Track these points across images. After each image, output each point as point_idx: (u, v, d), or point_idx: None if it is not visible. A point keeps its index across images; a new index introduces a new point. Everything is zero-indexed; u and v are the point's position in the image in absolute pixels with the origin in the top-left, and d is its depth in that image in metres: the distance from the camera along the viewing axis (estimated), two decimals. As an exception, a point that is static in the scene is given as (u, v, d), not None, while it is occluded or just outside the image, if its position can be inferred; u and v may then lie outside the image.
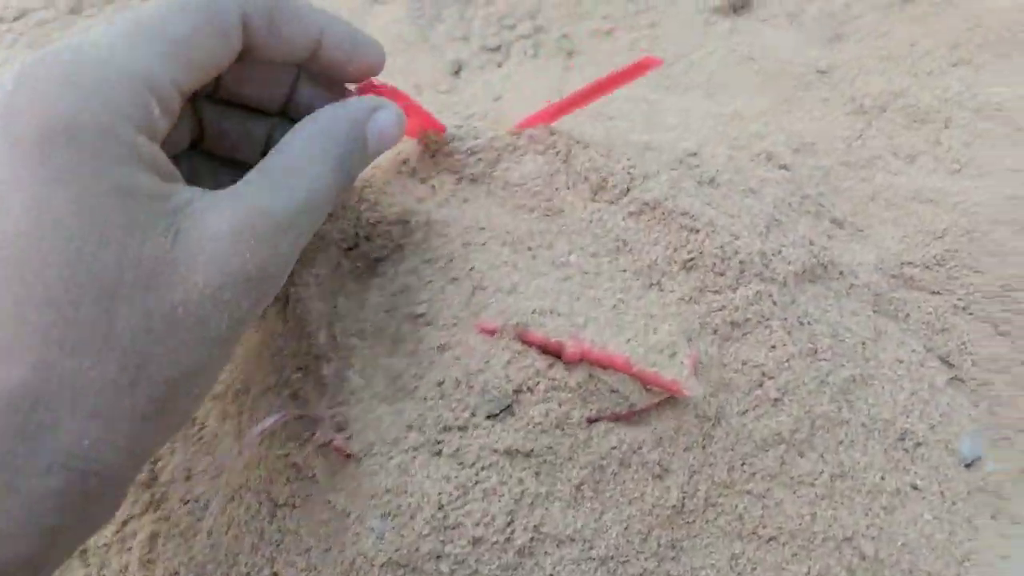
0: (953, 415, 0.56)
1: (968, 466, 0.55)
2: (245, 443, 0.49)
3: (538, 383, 0.45)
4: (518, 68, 0.78)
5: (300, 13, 0.39)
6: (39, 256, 0.30)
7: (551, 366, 0.45)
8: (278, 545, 0.47)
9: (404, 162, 0.56)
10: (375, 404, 0.48)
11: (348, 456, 0.46)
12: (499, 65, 0.79)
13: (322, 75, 0.44)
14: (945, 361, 0.58)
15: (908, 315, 0.58)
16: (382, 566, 0.44)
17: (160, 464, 0.51)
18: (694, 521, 0.48)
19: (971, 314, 0.59)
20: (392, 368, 0.49)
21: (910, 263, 0.60)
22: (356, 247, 0.55)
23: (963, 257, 0.60)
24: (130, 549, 0.49)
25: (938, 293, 0.60)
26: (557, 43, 0.81)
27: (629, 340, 0.47)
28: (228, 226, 0.34)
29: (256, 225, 0.35)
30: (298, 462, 0.47)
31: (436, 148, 0.55)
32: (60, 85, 0.31)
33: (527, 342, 0.46)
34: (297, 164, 0.38)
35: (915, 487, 0.52)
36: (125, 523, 0.50)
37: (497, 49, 0.81)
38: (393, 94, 0.48)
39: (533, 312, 0.46)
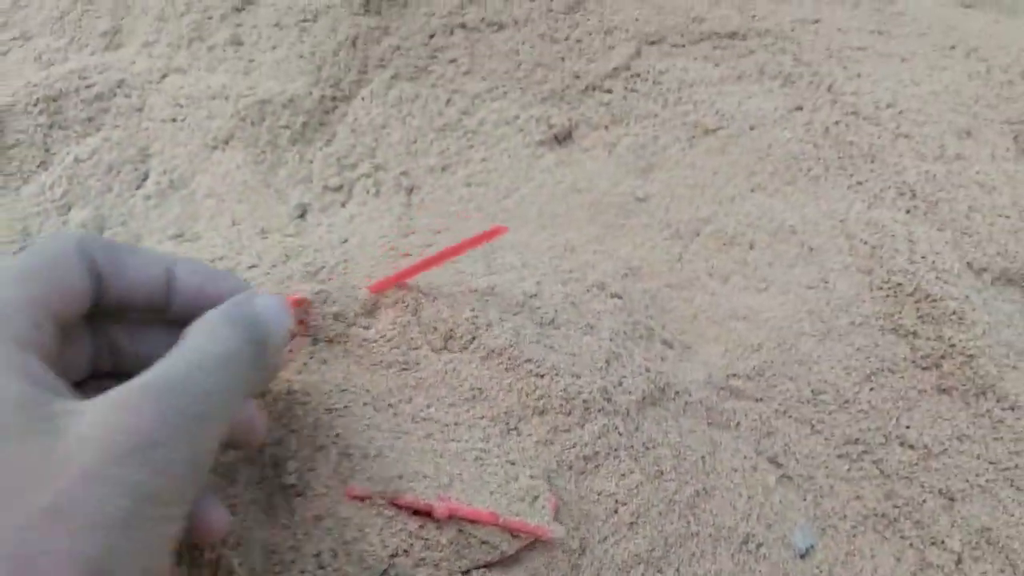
0: (786, 511, 0.62)
1: (803, 556, 0.62)
2: None
3: (412, 544, 0.48)
4: (362, 208, 0.82)
5: (144, 256, 0.43)
6: None
7: (422, 526, 0.48)
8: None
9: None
10: (254, 578, 0.48)
11: (232, 636, 0.47)
12: (343, 205, 0.82)
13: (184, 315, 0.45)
14: (773, 462, 0.65)
15: (739, 423, 0.65)
16: None
17: None
18: None
19: (790, 417, 0.67)
20: (268, 542, 0.50)
21: (734, 375, 0.67)
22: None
23: (778, 366, 0.68)
24: None
25: (761, 400, 0.67)
26: (397, 180, 0.85)
27: (492, 492, 0.50)
28: (105, 407, 0.35)
29: (133, 397, 0.35)
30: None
31: (302, 313, 0.57)
32: None
33: (397, 505, 0.48)
34: (176, 343, 0.40)
35: (760, 587, 0.58)
36: None
37: (340, 189, 0.84)
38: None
39: (399, 477, 0.49)
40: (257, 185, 0.84)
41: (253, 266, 0.70)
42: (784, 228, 0.75)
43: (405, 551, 0.48)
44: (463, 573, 0.49)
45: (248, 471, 0.52)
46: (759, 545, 0.59)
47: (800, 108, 0.86)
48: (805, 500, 0.64)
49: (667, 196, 0.80)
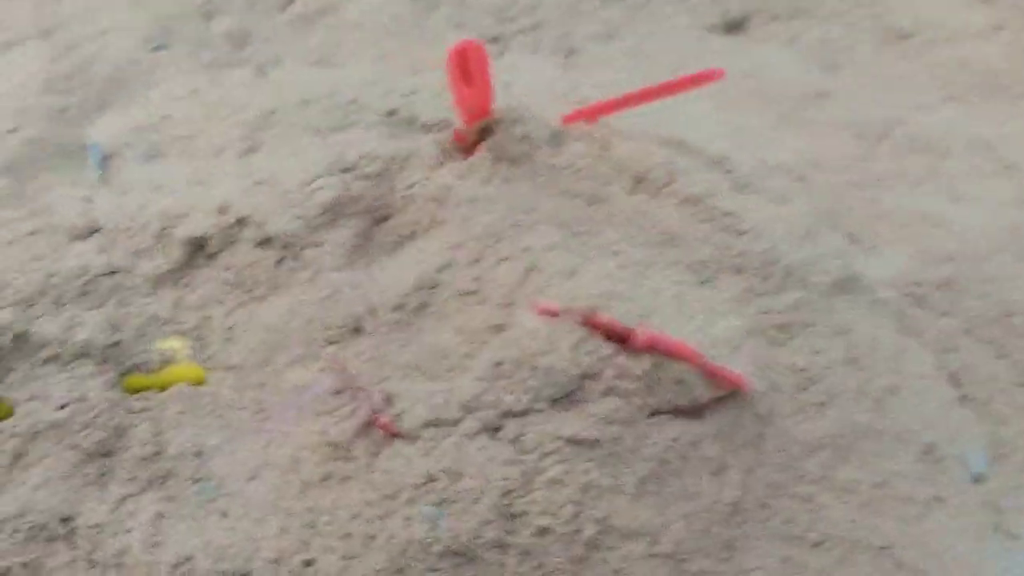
0: (963, 431, 0.57)
1: (976, 481, 0.57)
2: (277, 418, 0.44)
3: (604, 370, 0.43)
4: (519, 59, 0.77)
5: None
6: None
7: (616, 353, 0.43)
8: (312, 527, 0.42)
9: (447, 140, 0.53)
10: (423, 381, 0.44)
11: (395, 435, 0.43)
12: (501, 55, 0.77)
13: None
14: (953, 380, 0.59)
15: (922, 333, 0.60)
16: (439, 555, 0.40)
17: (165, 438, 0.45)
18: (747, 521, 0.46)
19: (975, 336, 0.61)
20: (438, 345, 0.45)
21: (921, 283, 0.61)
22: (388, 219, 0.51)
23: (967, 282, 0.62)
24: (130, 530, 0.43)
25: (947, 314, 0.61)
26: (556, 41, 0.79)
27: (694, 332, 0.45)
28: None
29: None
30: (335, 439, 0.43)
31: (481, 128, 0.52)
32: None
33: (592, 327, 0.44)
34: None
35: (939, 499, 0.52)
36: (122, 501, 0.44)
37: (496, 40, 0.79)
38: (481, 62, 0.46)
39: (599, 296, 0.44)
40: (409, 24, 0.79)
41: (412, 93, 0.65)
42: (980, 142, 0.69)
43: (596, 375, 0.43)
44: (649, 414, 0.44)
45: (416, 272, 0.47)
46: (939, 458, 0.54)
47: (1002, 28, 0.79)
48: (982, 424, 0.59)
49: (852, 95, 0.74)
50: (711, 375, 0.45)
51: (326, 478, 0.43)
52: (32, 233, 0.51)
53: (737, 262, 0.51)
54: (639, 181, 0.53)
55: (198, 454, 0.45)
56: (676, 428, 0.44)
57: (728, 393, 0.46)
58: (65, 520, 0.44)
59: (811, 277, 0.53)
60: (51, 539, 0.44)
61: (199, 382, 0.48)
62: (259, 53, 0.76)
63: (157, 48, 0.73)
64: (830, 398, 0.50)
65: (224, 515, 0.44)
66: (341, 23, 0.79)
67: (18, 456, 0.45)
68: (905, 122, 0.71)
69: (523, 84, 0.68)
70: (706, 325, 0.46)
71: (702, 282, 0.50)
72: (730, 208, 0.52)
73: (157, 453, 0.45)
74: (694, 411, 0.45)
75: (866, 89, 0.75)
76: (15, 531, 0.44)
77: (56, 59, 0.68)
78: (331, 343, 0.46)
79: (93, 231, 0.52)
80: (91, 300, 0.49)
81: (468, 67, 0.45)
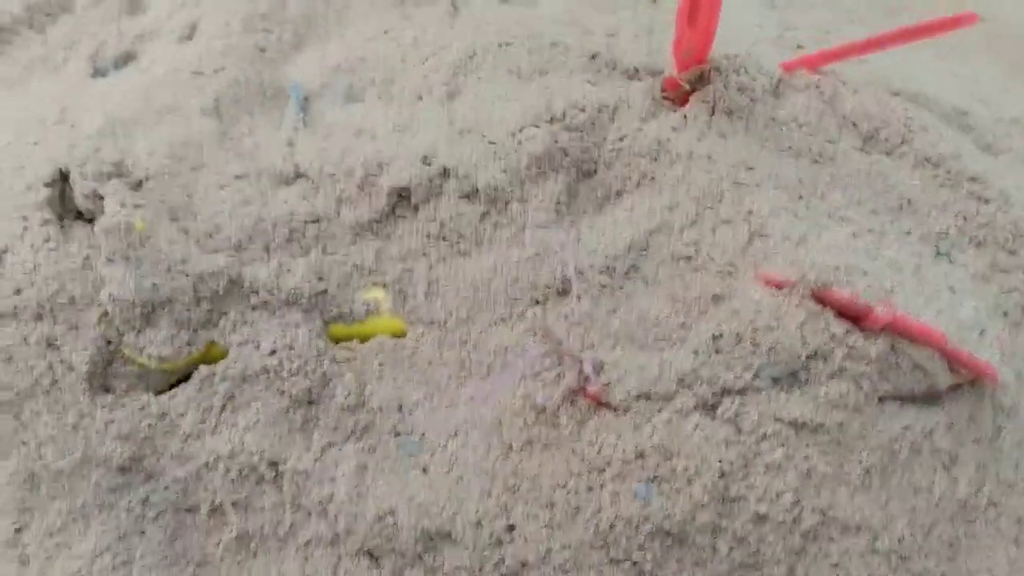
0: None
1: None
2: (481, 378, 0.44)
3: (834, 350, 0.40)
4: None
5: None
6: None
7: (849, 332, 0.40)
8: (514, 493, 0.42)
9: (657, 88, 0.50)
10: (635, 351, 0.42)
11: (604, 405, 0.41)
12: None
13: None
14: None
15: None
16: (649, 535, 0.39)
17: (368, 390, 0.46)
18: (975, 520, 0.43)
19: None
20: (651, 313, 0.43)
21: None
22: (595, 173, 0.49)
23: None
24: (334, 479, 0.44)
25: None
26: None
27: (939, 312, 0.41)
28: None
29: None
30: (542, 404, 0.42)
31: (696, 77, 0.49)
32: None
33: (823, 301, 0.40)
34: None
35: None
36: (324, 449, 0.45)
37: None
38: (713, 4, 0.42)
39: (835, 268, 0.40)
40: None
41: (612, 34, 0.62)
42: None
43: (825, 356, 0.40)
44: (879, 400, 0.40)
45: (627, 232, 0.45)
46: None
47: None
48: None
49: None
50: (956, 362, 0.40)
51: (529, 443, 0.42)
52: (239, 177, 0.52)
53: (981, 234, 0.46)
54: (870, 138, 0.48)
55: (399, 408, 0.45)
56: (908, 416, 0.41)
57: (968, 382, 0.42)
58: (272, 464, 0.45)
59: (1064, 252, 0.47)
60: (259, 481, 0.45)
61: (400, 335, 0.47)
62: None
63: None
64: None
65: (425, 472, 0.43)
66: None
67: (230, 398, 0.46)
68: None
69: (726, 27, 0.63)
70: (951, 306, 0.42)
71: (939, 254, 0.45)
72: (975, 173, 0.46)
73: (360, 404, 0.46)
74: (930, 400, 0.41)
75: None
76: (227, 470, 0.45)
77: (254, -3, 0.68)
78: (536, 303, 0.45)
79: (298, 176, 0.52)
80: (297, 247, 0.49)
81: (698, 6, 0.42)
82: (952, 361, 0.40)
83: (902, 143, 0.47)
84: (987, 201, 0.46)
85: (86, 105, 0.60)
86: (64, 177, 0.52)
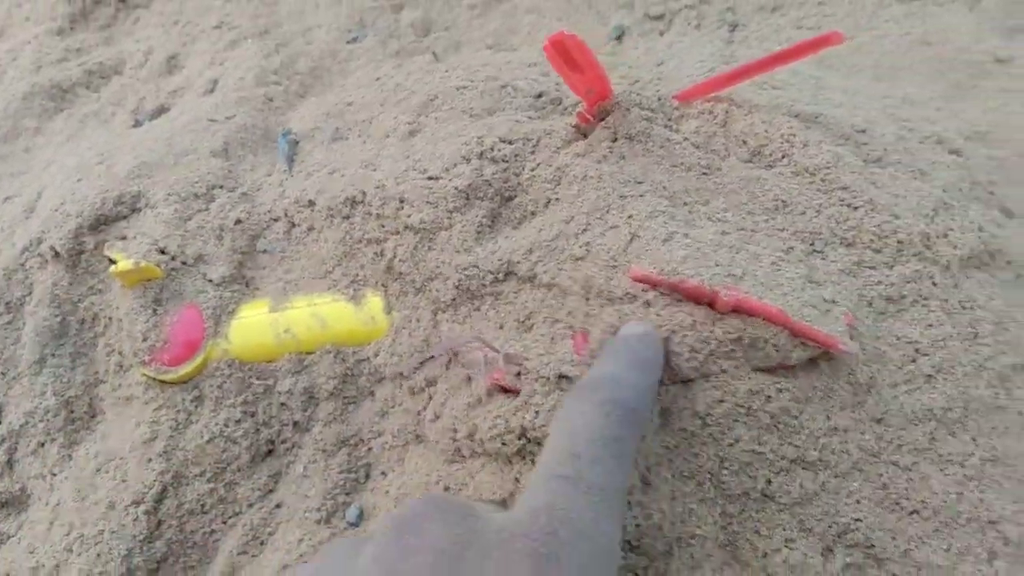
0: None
1: None
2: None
3: (686, 336, 0.46)
4: (681, 38, 0.78)
5: None
6: None
7: (703, 318, 0.46)
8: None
9: (566, 121, 0.58)
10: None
11: (507, 389, 0.49)
12: (661, 34, 0.79)
13: None
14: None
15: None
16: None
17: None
18: (834, 477, 0.47)
19: None
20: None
21: (1088, 260, 0.58)
22: (515, 198, 0.57)
23: None
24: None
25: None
26: (721, 15, 0.80)
27: (785, 295, 0.47)
28: None
29: None
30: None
31: (601, 109, 0.56)
32: None
33: (680, 290, 0.46)
34: None
35: (1074, 485, 0.50)
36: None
37: (660, 17, 0.81)
38: (581, 50, 0.49)
39: (684, 260, 0.47)
40: (580, 5, 0.83)
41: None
42: None
43: (679, 340, 0.46)
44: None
45: (534, 237, 0.52)
46: (1080, 443, 0.51)
47: None
48: None
49: (1035, 59, 0.69)
50: (801, 335, 0.45)
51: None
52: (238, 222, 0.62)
53: (850, 235, 0.51)
54: (756, 153, 0.54)
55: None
56: (752, 382, 0.46)
57: (822, 355, 0.47)
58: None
59: (935, 250, 0.52)
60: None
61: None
62: (440, 40, 0.83)
63: (352, 40, 0.82)
64: (941, 371, 0.49)
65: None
66: (517, 8, 0.85)
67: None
68: (1091, 86, 0.66)
69: (675, 62, 0.70)
70: (802, 288, 0.47)
71: (813, 251, 0.51)
72: (847, 182, 0.52)
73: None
74: (782, 371, 0.47)
75: (1053, 52, 0.69)
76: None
77: (268, 55, 0.79)
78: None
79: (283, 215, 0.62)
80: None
81: (570, 56, 0.49)
82: (797, 334, 0.45)
83: (783, 157, 0.53)
84: (855, 208, 0.51)
85: (122, 150, 0.71)
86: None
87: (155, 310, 0.56)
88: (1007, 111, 0.67)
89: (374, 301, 0.56)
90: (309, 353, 0.56)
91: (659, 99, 0.56)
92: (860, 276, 0.50)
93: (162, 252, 0.57)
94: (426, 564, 0.31)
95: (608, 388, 0.40)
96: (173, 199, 0.62)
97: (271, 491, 0.56)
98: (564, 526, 0.32)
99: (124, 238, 0.61)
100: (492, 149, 0.57)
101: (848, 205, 0.51)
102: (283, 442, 0.57)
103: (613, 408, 0.39)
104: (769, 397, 0.46)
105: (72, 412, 0.59)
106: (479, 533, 0.33)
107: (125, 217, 0.62)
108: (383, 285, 0.56)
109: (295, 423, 0.57)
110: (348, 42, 0.81)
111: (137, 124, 0.77)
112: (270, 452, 0.57)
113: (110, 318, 0.60)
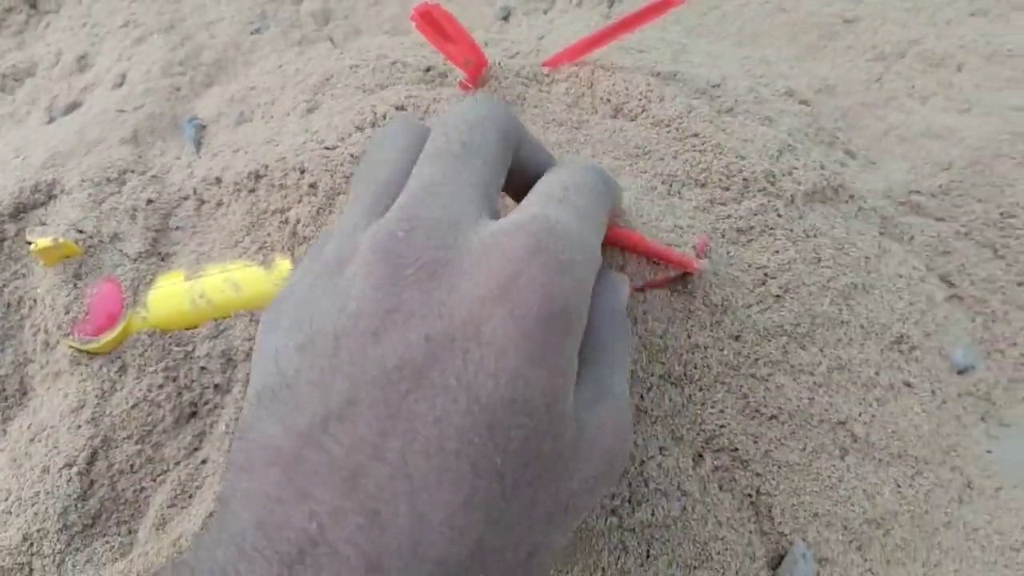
0: (949, 327, 0.61)
1: (961, 373, 0.60)
2: None
3: None
4: (562, 15, 0.84)
5: (532, 147, 0.42)
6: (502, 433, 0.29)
7: None
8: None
9: (451, 93, 0.63)
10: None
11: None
12: (545, 12, 0.85)
13: None
14: (945, 280, 0.63)
15: (913, 238, 0.64)
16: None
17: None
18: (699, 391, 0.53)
19: (972, 239, 0.64)
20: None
21: (917, 191, 0.65)
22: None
23: (967, 187, 0.65)
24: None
25: (942, 219, 0.64)
26: (602, -7, 0.86)
27: (645, 223, 0.52)
28: (612, 422, 0.34)
29: (627, 423, 0.36)
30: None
31: (480, 78, 0.61)
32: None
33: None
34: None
35: (908, 384, 0.57)
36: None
37: (543, -3, 0.87)
38: (448, 20, 0.54)
39: None
40: (470, -10, 0.88)
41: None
42: (1001, 52, 0.71)
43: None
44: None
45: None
46: (912, 348, 0.58)
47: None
48: (974, 322, 0.62)
49: (878, 18, 0.77)
50: (657, 257, 0.51)
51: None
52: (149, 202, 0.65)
53: (702, 176, 0.57)
54: (619, 109, 0.60)
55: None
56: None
57: (679, 276, 0.53)
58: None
59: (779, 186, 0.58)
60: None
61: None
62: (339, 28, 0.87)
63: (256, 31, 0.86)
64: (788, 291, 0.56)
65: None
66: (412, -4, 0.89)
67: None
68: (924, 40, 0.73)
69: (554, 35, 0.76)
70: (658, 219, 0.53)
71: (671, 193, 0.57)
72: (697, 130, 0.58)
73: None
74: (641, 293, 0.52)
75: (893, 11, 0.77)
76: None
77: (174, 48, 0.82)
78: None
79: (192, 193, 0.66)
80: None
81: (440, 26, 0.54)
82: (653, 256, 0.51)
83: (643, 111, 0.60)
84: (705, 152, 0.58)
85: (36, 144, 0.74)
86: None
87: (75, 284, 0.59)
88: (852, 66, 0.74)
89: (283, 264, 0.61)
90: (226, 318, 0.60)
91: (534, 65, 0.61)
92: (712, 212, 0.57)
93: (80, 232, 0.61)
94: (426, 242, 0.32)
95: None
96: (87, 184, 0.65)
97: (196, 449, 0.60)
98: (556, 226, 0.32)
99: (43, 224, 0.64)
100: (384, 117, 0.62)
101: (699, 151, 0.58)
102: (205, 403, 0.61)
103: (597, 173, 0.40)
104: (635, 319, 0.51)
105: (4, 391, 0.62)
106: (466, 238, 0.33)
107: (43, 204, 0.66)
108: (290, 249, 0.61)
109: (216, 385, 0.60)
110: (251, 33, 0.85)
111: (51, 120, 0.80)
112: (194, 414, 0.61)
113: (34, 300, 0.63)
